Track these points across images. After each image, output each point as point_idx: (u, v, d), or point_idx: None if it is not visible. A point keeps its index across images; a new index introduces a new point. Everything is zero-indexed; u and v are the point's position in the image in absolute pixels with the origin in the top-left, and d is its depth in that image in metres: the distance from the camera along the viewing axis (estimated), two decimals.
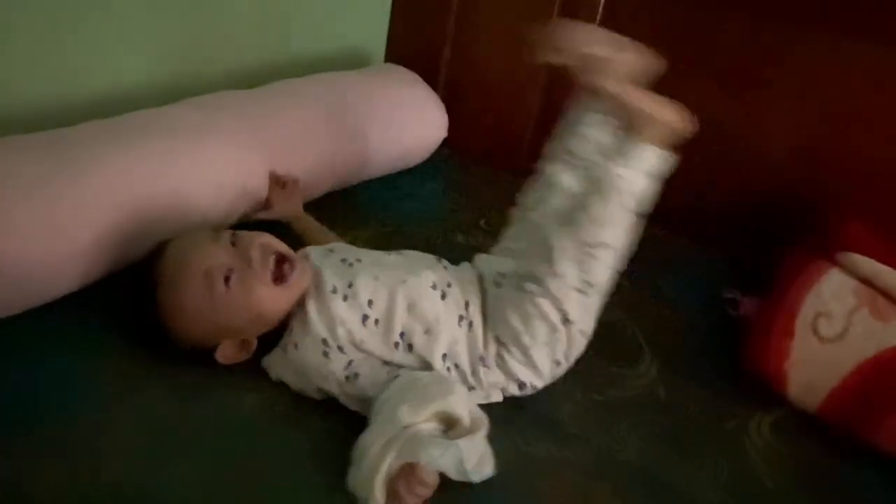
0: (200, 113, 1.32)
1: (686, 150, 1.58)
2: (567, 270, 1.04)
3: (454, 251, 1.31)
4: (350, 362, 1.01)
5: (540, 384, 1.09)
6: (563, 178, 1.16)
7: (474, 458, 0.90)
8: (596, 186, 1.06)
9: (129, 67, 1.42)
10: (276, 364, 1.04)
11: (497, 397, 1.08)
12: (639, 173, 1.06)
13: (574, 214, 1.07)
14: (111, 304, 1.11)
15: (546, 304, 1.04)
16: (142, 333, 1.04)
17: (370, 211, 1.51)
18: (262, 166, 1.33)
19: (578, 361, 1.11)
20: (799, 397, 1.18)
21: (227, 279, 0.99)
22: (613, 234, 1.05)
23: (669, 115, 1.08)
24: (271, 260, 1.03)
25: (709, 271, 1.45)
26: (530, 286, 1.06)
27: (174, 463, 0.90)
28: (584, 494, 0.98)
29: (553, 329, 1.05)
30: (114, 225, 1.10)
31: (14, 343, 1.01)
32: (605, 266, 1.06)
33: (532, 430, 1.05)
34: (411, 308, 1.05)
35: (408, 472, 0.85)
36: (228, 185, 1.27)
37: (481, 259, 1.21)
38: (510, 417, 1.06)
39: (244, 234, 1.06)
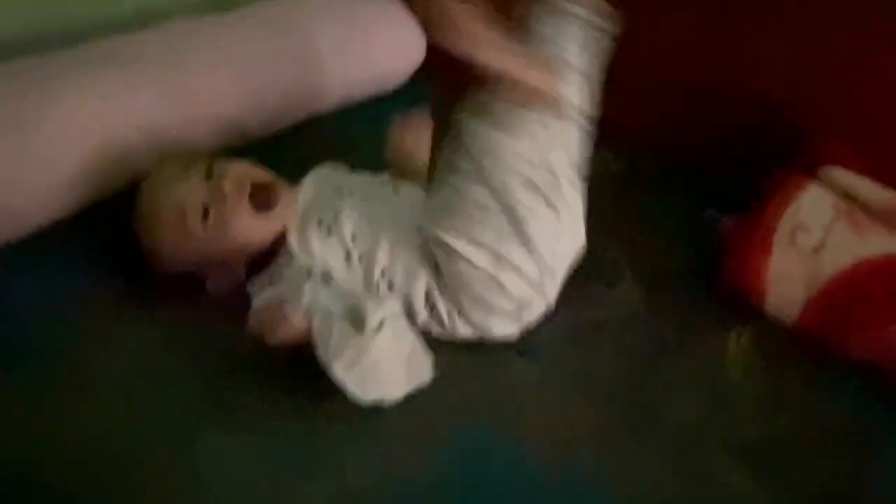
0: (169, 40, 1.28)
1: (671, 74, 1.58)
2: None
3: None
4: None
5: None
6: None
7: (348, 359, 0.88)
8: None
9: None
10: (259, 292, 1.03)
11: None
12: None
13: None
14: (92, 237, 1.09)
15: None
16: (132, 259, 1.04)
17: (346, 141, 1.47)
18: (235, 93, 1.30)
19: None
20: (777, 309, 1.20)
21: (204, 214, 0.98)
22: None
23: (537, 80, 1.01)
24: (246, 190, 1.01)
25: (691, 192, 1.44)
26: None
27: (161, 397, 0.91)
28: (564, 414, 1.00)
29: None
30: (86, 156, 1.08)
31: None
32: None
33: (511, 352, 1.06)
34: (393, 249, 1.03)
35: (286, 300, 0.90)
36: (201, 113, 1.24)
37: None
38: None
39: (219, 163, 1.03)
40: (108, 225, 1.07)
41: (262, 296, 0.97)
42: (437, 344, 1.03)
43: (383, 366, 0.90)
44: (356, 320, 0.92)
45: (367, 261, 1.03)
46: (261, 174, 1.05)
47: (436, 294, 1.03)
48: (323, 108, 1.51)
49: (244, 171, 1.04)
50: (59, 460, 0.83)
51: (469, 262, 1.00)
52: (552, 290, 1.07)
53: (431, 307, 1.04)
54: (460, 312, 1.04)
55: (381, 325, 0.91)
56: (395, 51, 1.66)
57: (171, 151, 1.14)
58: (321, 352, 0.89)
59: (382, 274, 1.03)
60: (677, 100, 1.53)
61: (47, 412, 0.87)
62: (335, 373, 0.87)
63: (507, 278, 1.01)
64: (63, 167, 1.06)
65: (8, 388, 0.88)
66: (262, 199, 1.01)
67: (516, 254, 1.00)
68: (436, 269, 1.03)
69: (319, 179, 1.14)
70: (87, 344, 0.96)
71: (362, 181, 1.17)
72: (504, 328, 1.06)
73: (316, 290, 0.94)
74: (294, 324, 0.90)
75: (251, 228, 1.01)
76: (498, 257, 0.99)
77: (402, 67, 1.68)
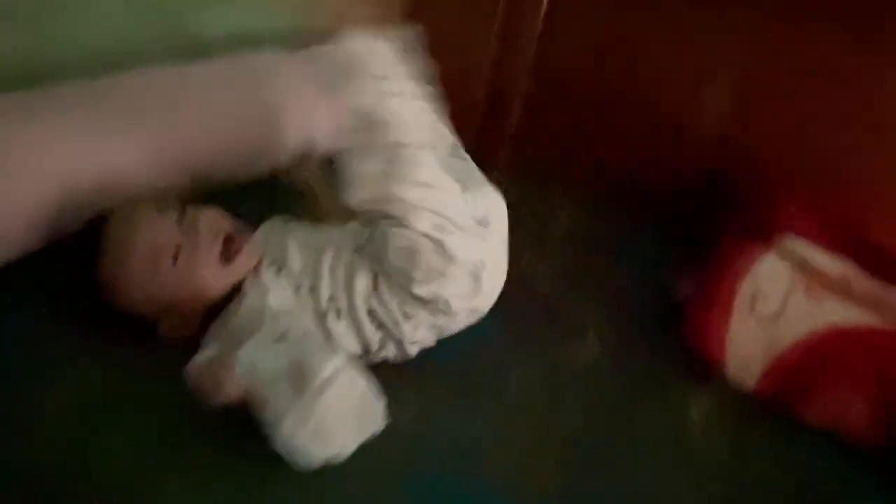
0: (133, 87, 1.27)
1: (625, 133, 1.62)
2: None
3: None
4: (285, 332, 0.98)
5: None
6: None
7: (295, 420, 0.86)
8: None
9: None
10: (207, 343, 1.00)
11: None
12: None
13: None
14: (44, 277, 1.06)
15: None
16: (85, 301, 1.01)
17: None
18: (198, 140, 1.28)
19: (524, 336, 1.09)
20: (736, 374, 1.21)
21: (174, 258, 0.98)
22: None
23: None
24: (219, 240, 1.02)
25: (651, 249, 1.46)
26: None
27: (106, 437, 0.89)
28: (527, 466, 0.98)
29: None
30: (43, 198, 1.06)
31: None
32: None
33: (477, 403, 1.05)
34: (333, 272, 1.03)
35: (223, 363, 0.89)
36: (163, 160, 1.22)
37: None
38: (455, 391, 1.06)
39: (191, 210, 1.04)
40: (59, 263, 1.05)
41: (202, 354, 0.94)
42: (399, 391, 1.00)
43: (330, 423, 0.88)
44: (300, 377, 0.89)
45: (315, 291, 1.03)
46: (229, 225, 1.06)
47: (377, 300, 1.02)
48: (286, 158, 1.51)
49: (217, 220, 1.05)
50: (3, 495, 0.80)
51: (414, 229, 0.99)
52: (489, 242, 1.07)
53: (379, 324, 1.03)
54: (407, 312, 1.02)
55: (327, 382, 0.89)
56: None
57: (139, 196, 1.13)
58: (265, 417, 0.86)
59: (330, 299, 1.02)
60: (634, 155, 1.56)
61: None
62: (279, 441, 0.85)
63: (450, 240, 0.99)
64: (17, 210, 1.04)
65: None
66: (226, 252, 1.02)
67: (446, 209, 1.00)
68: (377, 260, 1.02)
69: (271, 226, 1.14)
70: (34, 381, 0.94)
71: (309, 226, 1.16)
72: (466, 301, 1.05)
73: (257, 348, 0.91)
74: (228, 391, 0.88)
75: (216, 277, 1.02)
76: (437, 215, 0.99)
77: None
